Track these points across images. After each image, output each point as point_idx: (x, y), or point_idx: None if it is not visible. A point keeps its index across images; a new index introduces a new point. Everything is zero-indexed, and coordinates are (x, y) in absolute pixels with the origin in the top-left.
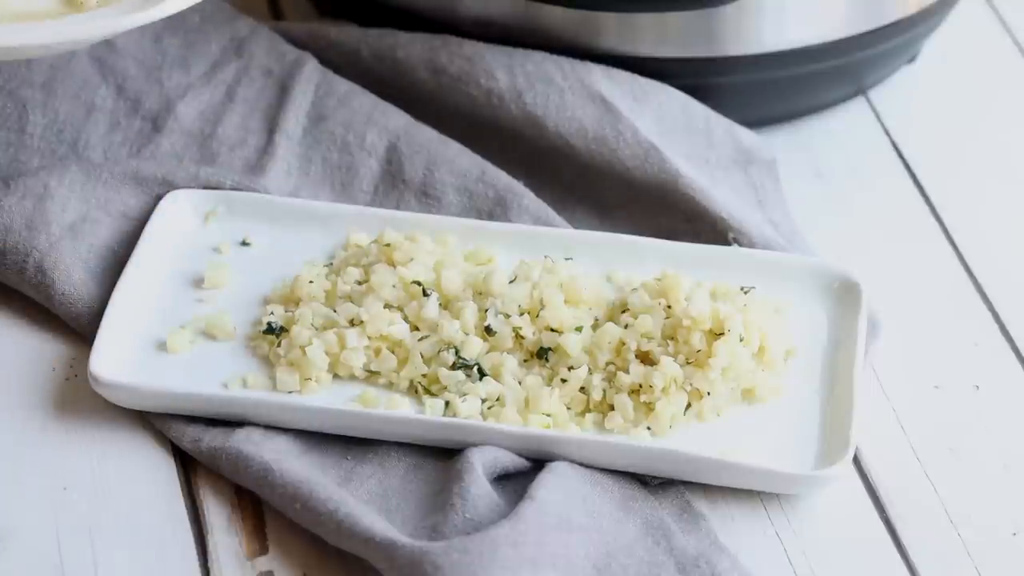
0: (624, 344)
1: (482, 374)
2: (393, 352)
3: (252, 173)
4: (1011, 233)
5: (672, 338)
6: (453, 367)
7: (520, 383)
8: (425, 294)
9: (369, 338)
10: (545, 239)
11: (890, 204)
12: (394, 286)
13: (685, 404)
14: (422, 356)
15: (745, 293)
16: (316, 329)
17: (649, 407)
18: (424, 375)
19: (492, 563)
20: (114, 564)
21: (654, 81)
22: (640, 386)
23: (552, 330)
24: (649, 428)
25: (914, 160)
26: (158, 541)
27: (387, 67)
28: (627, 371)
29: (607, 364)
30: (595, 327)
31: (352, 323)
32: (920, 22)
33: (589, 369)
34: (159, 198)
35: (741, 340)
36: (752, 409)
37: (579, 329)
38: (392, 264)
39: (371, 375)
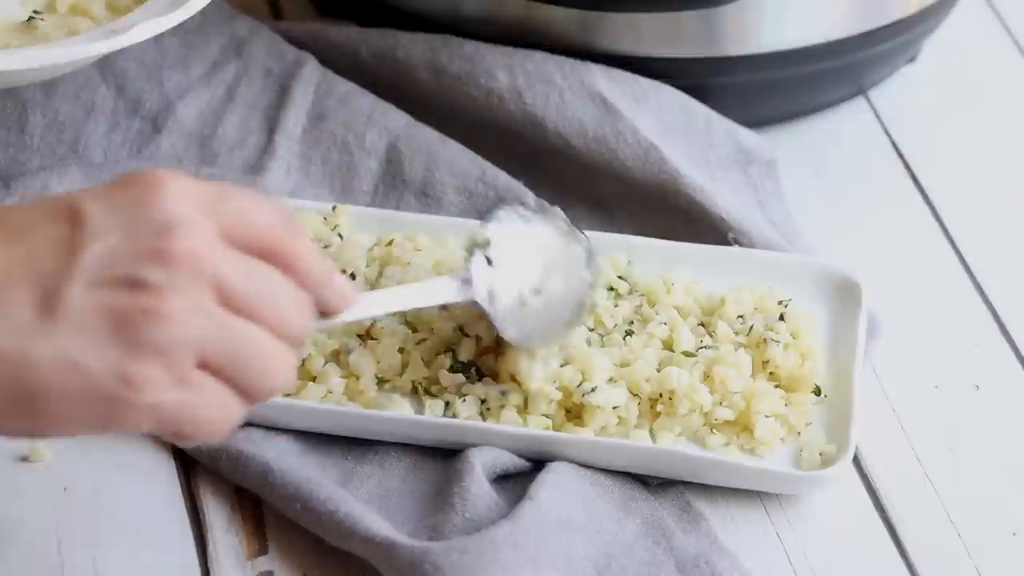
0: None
1: (480, 375)
2: (400, 352)
3: (252, 173)
4: (1011, 233)
5: (708, 376)
6: (451, 369)
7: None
8: None
9: (378, 361)
10: None
11: (890, 204)
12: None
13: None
14: (421, 359)
15: (784, 307)
16: None
17: (657, 412)
18: (425, 377)
19: (492, 563)
20: (114, 564)
21: (654, 81)
22: (660, 395)
23: None
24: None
25: (914, 160)
26: (158, 541)
27: (387, 67)
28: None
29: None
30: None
31: (360, 336)
32: (920, 22)
33: None
34: None
35: (777, 386)
36: None
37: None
38: (399, 265)
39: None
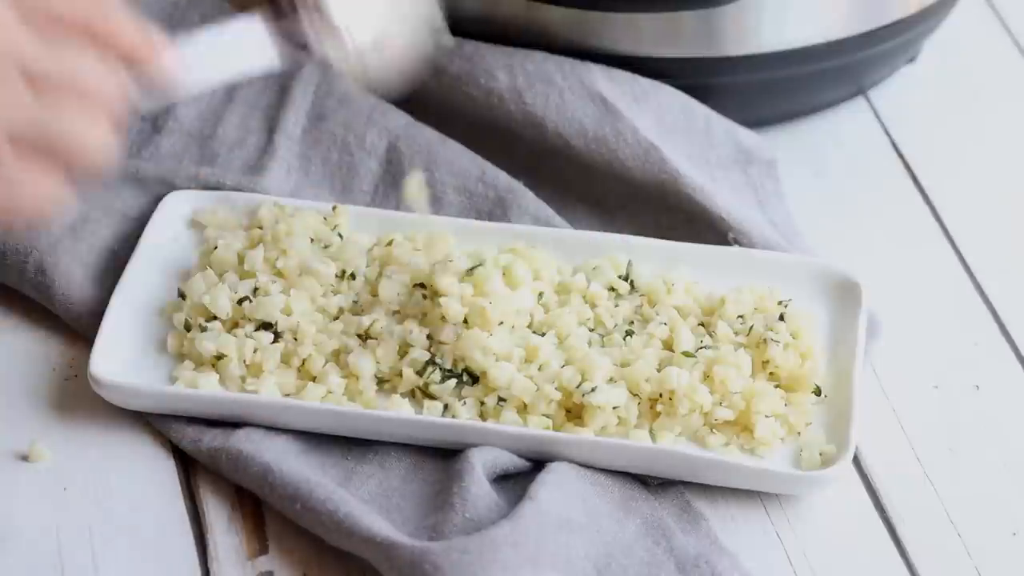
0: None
1: (475, 379)
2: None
3: (252, 173)
4: (1011, 233)
5: (708, 376)
6: (442, 380)
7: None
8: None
9: (378, 361)
10: (545, 239)
11: (890, 204)
12: (399, 294)
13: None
14: (413, 370)
15: (784, 307)
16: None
17: (657, 412)
18: (424, 383)
19: (492, 563)
20: (114, 564)
21: (654, 81)
22: (660, 395)
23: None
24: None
25: (914, 160)
26: (158, 541)
27: None
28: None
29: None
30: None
31: (360, 336)
32: (920, 22)
33: None
34: (159, 198)
35: (777, 386)
36: None
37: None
38: (399, 265)
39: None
